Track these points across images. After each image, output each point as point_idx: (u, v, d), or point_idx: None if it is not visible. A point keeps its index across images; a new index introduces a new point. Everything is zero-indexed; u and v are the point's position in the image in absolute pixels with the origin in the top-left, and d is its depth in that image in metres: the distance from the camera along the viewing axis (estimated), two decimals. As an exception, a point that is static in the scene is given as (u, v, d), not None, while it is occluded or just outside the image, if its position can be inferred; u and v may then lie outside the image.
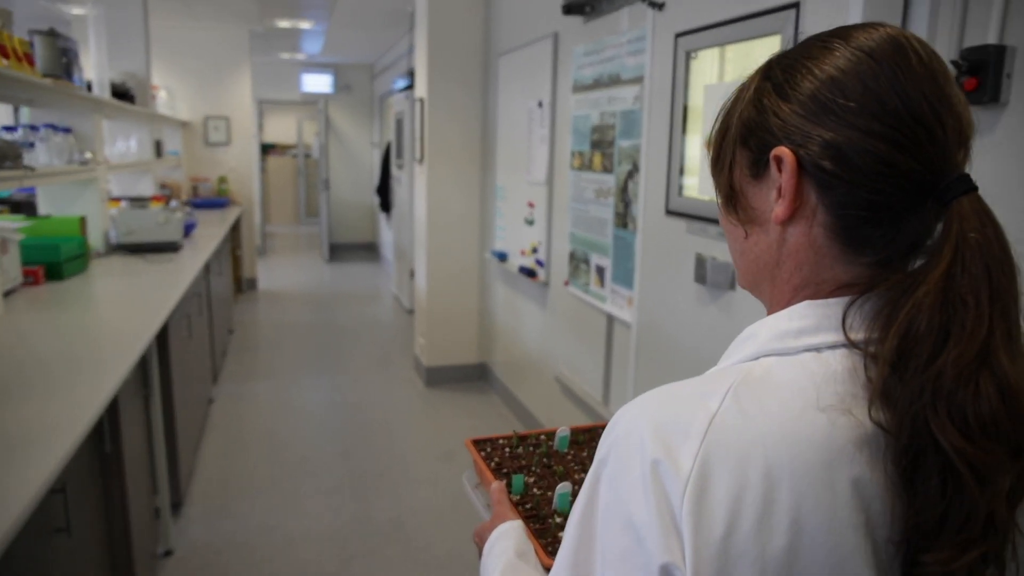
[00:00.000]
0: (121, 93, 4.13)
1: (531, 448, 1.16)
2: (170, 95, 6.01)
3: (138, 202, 4.23)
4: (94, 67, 3.72)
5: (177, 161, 6.30)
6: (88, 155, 3.48)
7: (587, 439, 1.19)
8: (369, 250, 10.17)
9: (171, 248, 3.81)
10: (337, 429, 3.83)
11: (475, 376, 4.58)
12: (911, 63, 0.54)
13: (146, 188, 5.17)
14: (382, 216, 8.88)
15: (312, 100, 9.53)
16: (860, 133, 0.53)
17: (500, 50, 3.95)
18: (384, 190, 8.02)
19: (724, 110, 0.64)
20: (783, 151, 0.56)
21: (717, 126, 0.65)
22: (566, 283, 3.18)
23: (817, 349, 0.55)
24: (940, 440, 0.48)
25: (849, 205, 0.55)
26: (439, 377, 4.50)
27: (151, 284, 3.04)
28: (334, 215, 9.76)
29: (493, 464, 1.10)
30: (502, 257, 3.94)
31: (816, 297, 0.58)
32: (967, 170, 0.54)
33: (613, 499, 0.54)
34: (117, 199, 4.66)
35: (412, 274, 6.26)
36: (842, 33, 0.57)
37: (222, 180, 6.73)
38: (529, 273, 3.50)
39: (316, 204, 11.85)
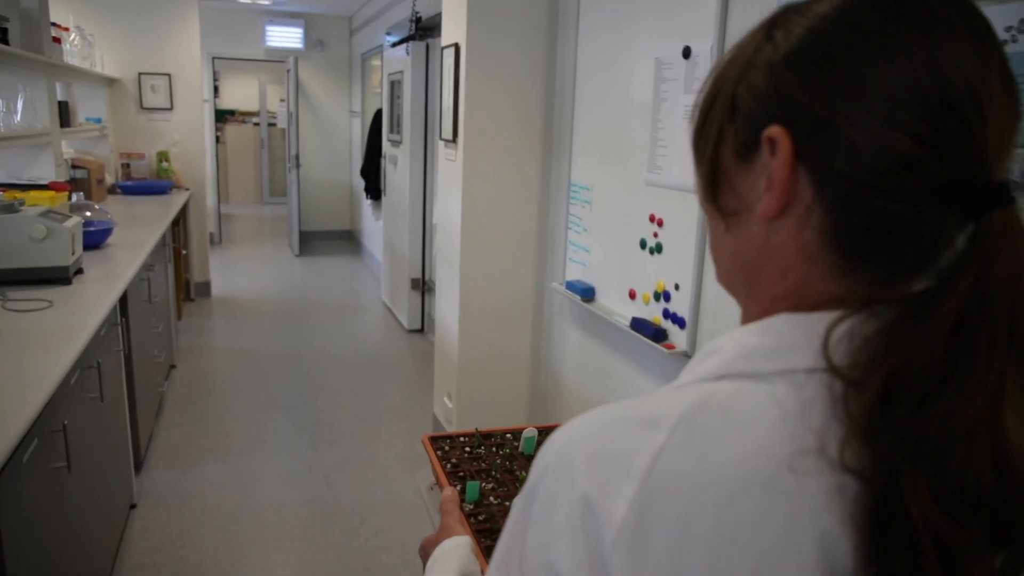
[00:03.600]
0: (-17, 26, 2.62)
1: (494, 449, 1.02)
2: (86, 42, 4.41)
3: (14, 195, 2.73)
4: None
5: (99, 131, 4.73)
6: (-102, 124, 1.99)
7: None
8: (347, 240, 8.62)
9: (58, 278, 2.34)
10: (319, 572, 2.44)
11: (522, 451, 3.22)
12: (955, 29, 0.41)
13: (45, 170, 3.63)
14: (366, 202, 7.36)
15: (279, 58, 7.90)
16: (879, 123, 0.41)
17: (585, -28, 2.53)
18: (370, 172, 6.51)
19: (715, 71, 0.50)
20: (778, 132, 0.44)
21: (705, 91, 0.51)
22: (744, 367, 1.83)
23: (792, 372, 0.43)
24: (908, 505, 0.37)
25: (853, 210, 0.43)
26: (472, 455, 3.12)
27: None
28: (305, 198, 8.18)
29: (449, 465, 0.97)
30: (586, 295, 2.56)
31: (797, 310, 0.46)
32: (1009, 175, 0.41)
33: (536, 539, 0.44)
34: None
35: (416, 285, 4.84)
36: None
37: (162, 157, 5.17)
38: (655, 335, 2.13)
39: (281, 181, 10.25)
